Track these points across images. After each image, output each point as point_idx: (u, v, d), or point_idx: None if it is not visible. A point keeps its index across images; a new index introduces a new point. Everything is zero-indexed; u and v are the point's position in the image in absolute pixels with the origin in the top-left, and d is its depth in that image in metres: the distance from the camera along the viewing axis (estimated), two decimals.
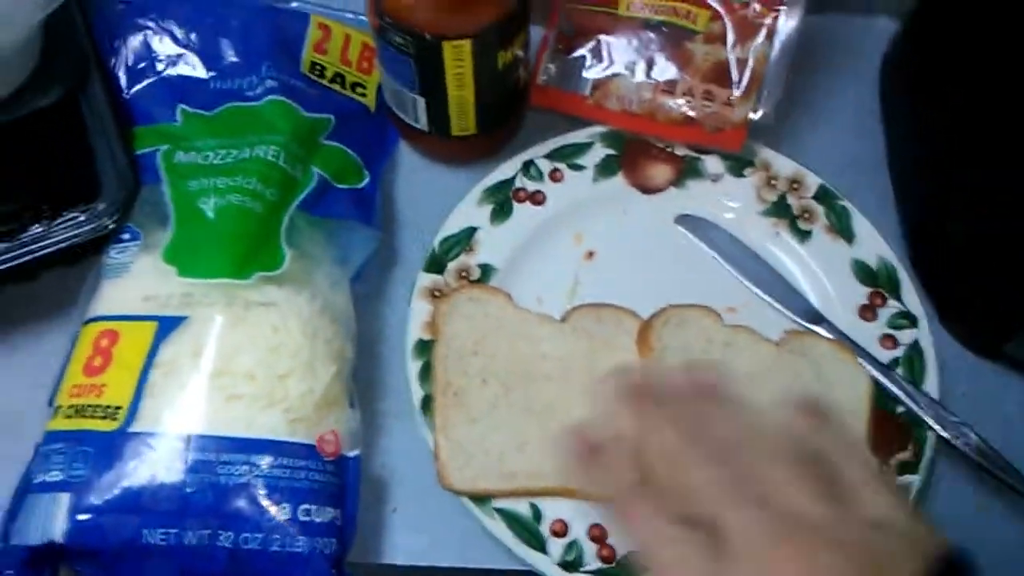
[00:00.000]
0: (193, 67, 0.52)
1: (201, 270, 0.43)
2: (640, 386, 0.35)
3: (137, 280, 0.44)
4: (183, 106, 0.50)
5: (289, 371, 0.42)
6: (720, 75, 0.52)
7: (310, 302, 0.44)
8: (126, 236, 0.46)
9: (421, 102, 0.49)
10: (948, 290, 0.51)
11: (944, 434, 0.45)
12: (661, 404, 0.33)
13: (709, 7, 0.52)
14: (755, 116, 0.52)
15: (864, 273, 0.50)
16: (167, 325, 0.42)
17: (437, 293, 0.49)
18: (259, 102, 0.50)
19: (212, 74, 0.52)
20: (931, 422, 0.46)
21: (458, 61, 0.46)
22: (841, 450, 0.32)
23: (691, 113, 0.52)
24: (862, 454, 0.33)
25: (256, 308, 0.43)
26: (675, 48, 0.52)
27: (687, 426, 0.32)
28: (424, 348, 0.47)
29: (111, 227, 0.45)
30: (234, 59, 0.52)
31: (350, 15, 0.57)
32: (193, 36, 0.52)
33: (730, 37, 0.52)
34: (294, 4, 0.56)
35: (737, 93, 0.51)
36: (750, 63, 0.51)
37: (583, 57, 0.53)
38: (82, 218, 0.45)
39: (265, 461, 0.40)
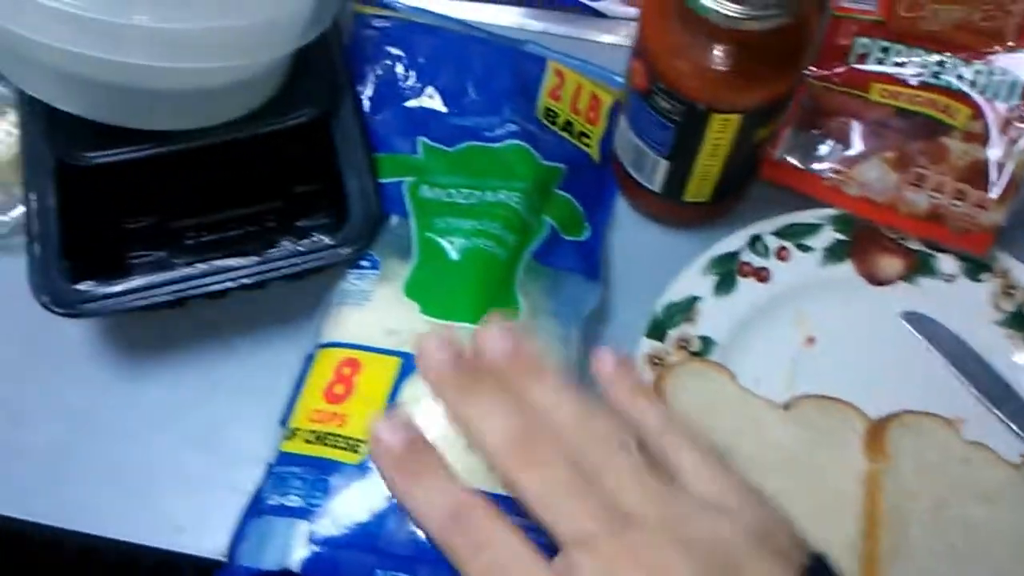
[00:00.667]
0: (434, 100, 0.52)
1: (444, 311, 0.43)
2: (460, 359, 0.33)
3: (379, 311, 0.44)
4: (423, 139, 0.51)
5: None
6: (975, 175, 0.50)
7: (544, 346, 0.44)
8: (366, 264, 0.46)
9: (664, 165, 0.49)
10: None
11: None
12: (480, 380, 0.32)
13: (971, 104, 0.50)
14: (1003, 222, 0.50)
15: None
16: (410, 363, 0.42)
17: (656, 361, 0.48)
18: (499, 144, 0.50)
19: (452, 110, 0.52)
20: None
21: (720, 134, 0.45)
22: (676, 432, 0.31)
23: (938, 209, 0.50)
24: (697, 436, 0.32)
25: None
26: (929, 141, 0.50)
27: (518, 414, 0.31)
28: None
29: (357, 252, 0.45)
30: (475, 97, 0.52)
31: (579, 62, 0.57)
32: (436, 70, 0.53)
33: (993, 137, 0.50)
34: (530, 47, 0.57)
35: (993, 195, 0.49)
36: (1009, 167, 0.49)
37: (825, 137, 0.52)
38: (329, 240, 0.46)
39: None
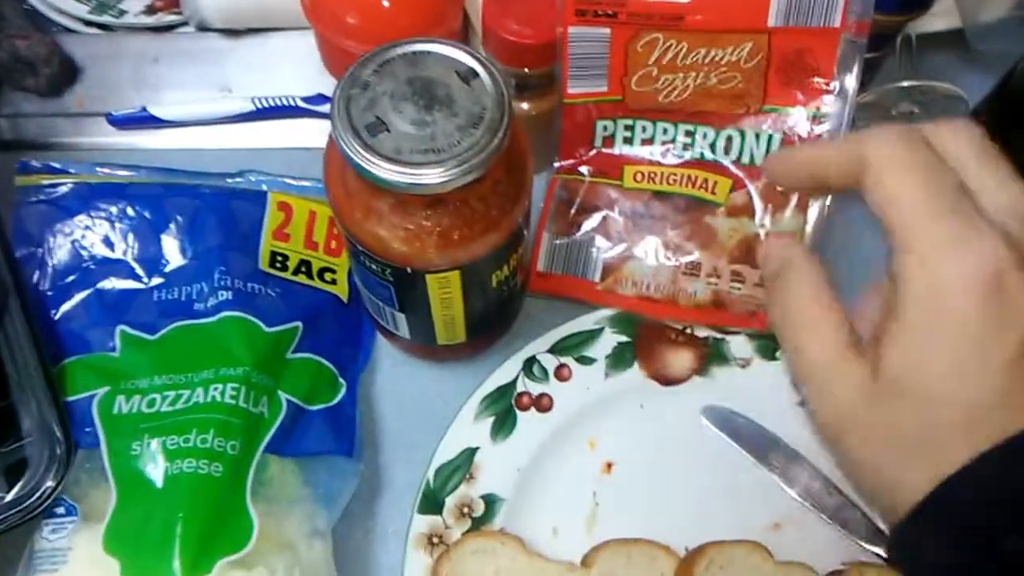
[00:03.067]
0: (133, 276, 0.44)
1: (151, 568, 0.36)
2: None
3: None
4: (122, 327, 0.42)
5: None
6: (749, 253, 0.45)
7: None
8: (60, 510, 0.38)
9: (401, 316, 0.42)
10: None
11: None
12: None
13: (730, 175, 0.45)
14: None
15: None
16: None
17: (436, 539, 0.42)
18: (212, 319, 0.43)
19: (157, 281, 0.44)
20: None
21: (444, 290, 0.38)
22: None
23: (719, 296, 0.45)
24: None
25: None
26: (695, 223, 0.45)
27: None
28: None
29: (42, 506, 0.37)
30: (182, 262, 0.44)
31: (310, 183, 0.50)
32: (130, 237, 0.45)
33: (758, 209, 0.45)
34: (248, 179, 0.49)
35: None
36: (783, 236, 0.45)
37: (589, 237, 0.46)
38: (9, 498, 0.37)
39: None
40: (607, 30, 0.42)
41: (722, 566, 0.40)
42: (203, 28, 0.57)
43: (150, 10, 0.59)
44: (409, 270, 0.37)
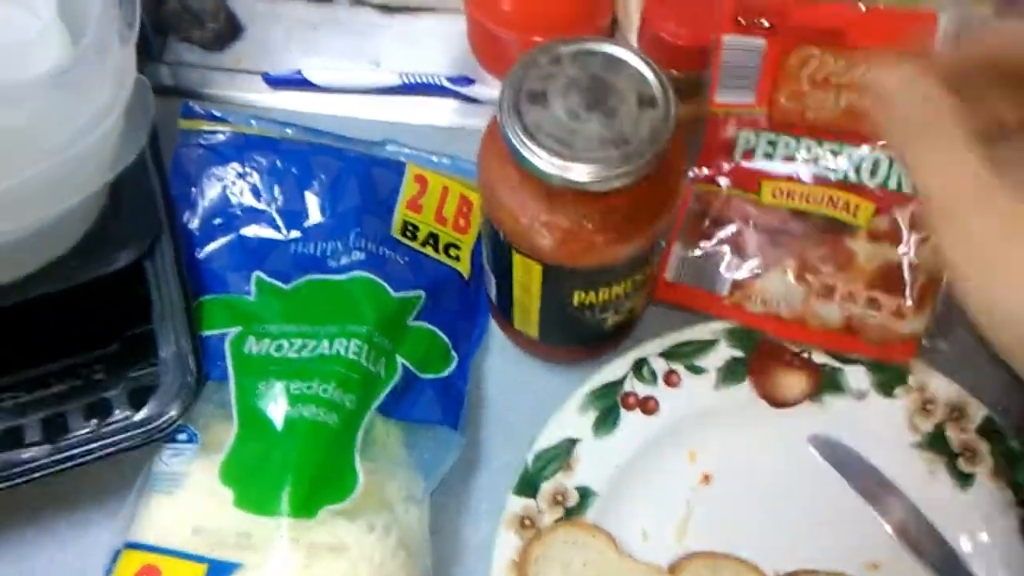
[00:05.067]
0: (274, 226, 0.46)
1: (262, 502, 0.37)
2: None
3: (189, 503, 0.38)
4: (259, 274, 0.45)
5: None
6: (888, 280, 0.44)
7: (383, 539, 0.38)
8: (182, 437, 0.40)
9: (493, 280, 0.43)
10: None
11: None
12: None
13: (874, 198, 0.44)
14: (925, 336, 0.44)
15: None
16: (218, 571, 0.36)
17: (528, 522, 0.42)
18: (343, 276, 0.44)
19: (295, 235, 0.46)
20: None
21: (524, 274, 0.39)
22: None
23: (851, 321, 0.44)
24: None
25: (322, 554, 0.37)
26: (832, 245, 0.45)
27: None
28: None
29: (166, 429, 0.40)
30: (320, 219, 0.46)
31: (447, 159, 0.51)
32: (276, 189, 0.47)
33: (903, 235, 0.44)
34: (389, 149, 0.51)
35: (907, 304, 0.43)
36: (928, 267, 0.43)
37: (721, 251, 0.46)
38: (136, 418, 0.40)
39: None
40: (763, 41, 0.42)
41: None
42: (359, 2, 0.59)
43: None
44: (502, 238, 0.37)
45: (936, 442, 0.44)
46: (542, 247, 0.37)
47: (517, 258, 0.39)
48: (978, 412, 0.44)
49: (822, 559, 0.41)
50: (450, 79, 0.56)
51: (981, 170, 0.25)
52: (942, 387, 0.45)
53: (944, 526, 0.43)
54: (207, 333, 0.42)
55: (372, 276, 0.44)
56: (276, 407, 0.40)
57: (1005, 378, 0.46)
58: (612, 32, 0.54)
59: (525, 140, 0.34)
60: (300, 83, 0.55)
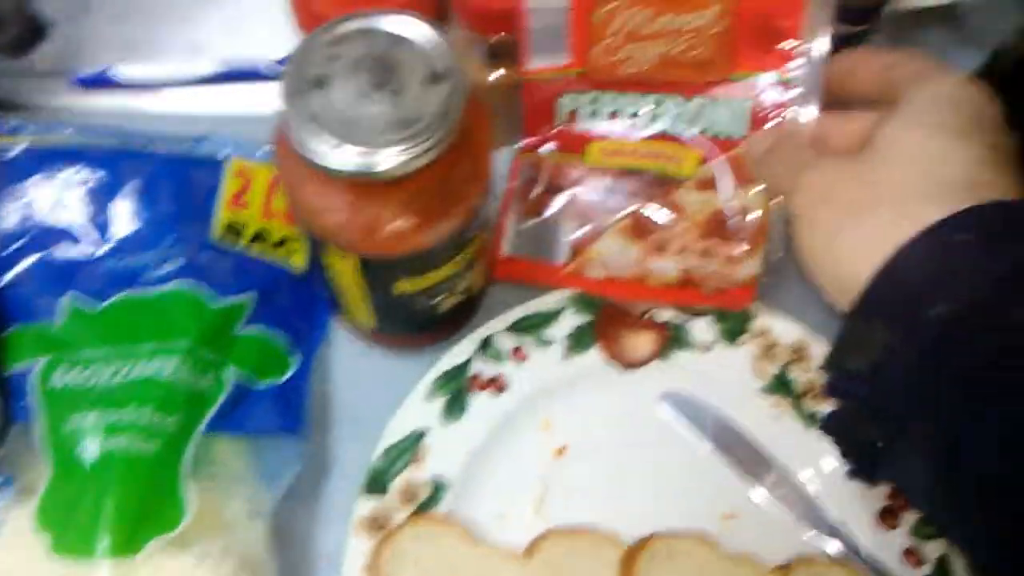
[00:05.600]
0: (83, 241, 0.43)
1: (79, 546, 0.35)
2: None
3: (6, 554, 0.36)
4: (69, 295, 0.42)
5: None
6: (718, 227, 0.43)
7: (219, 566, 0.37)
8: None
9: (320, 273, 0.41)
10: None
11: None
12: None
13: (697, 148, 0.43)
14: (761, 272, 0.44)
15: None
16: None
17: (379, 523, 0.41)
18: (159, 289, 0.42)
19: (106, 250, 0.43)
20: None
21: (340, 267, 0.38)
22: None
23: (689, 273, 0.44)
24: None
25: None
26: (663, 199, 0.44)
27: None
28: None
29: None
30: (132, 230, 0.43)
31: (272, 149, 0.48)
32: (82, 202, 0.44)
33: (723, 182, 0.43)
34: (208, 145, 0.48)
35: (740, 250, 0.43)
36: (753, 211, 0.43)
37: (555, 218, 0.45)
38: None
39: None
40: (565, 0, 0.40)
41: (666, 558, 0.40)
42: None
43: None
44: (314, 234, 0.36)
45: (781, 385, 0.44)
46: (349, 241, 0.35)
47: (331, 252, 0.37)
48: (820, 351, 0.45)
49: (680, 518, 0.42)
50: (276, 61, 0.53)
51: (831, 174, 0.35)
52: (784, 330, 0.45)
53: (793, 466, 0.43)
54: (13, 368, 0.40)
55: (190, 286, 0.42)
56: (90, 441, 0.37)
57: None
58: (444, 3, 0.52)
59: (309, 131, 0.32)
60: (112, 81, 0.52)
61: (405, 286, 0.38)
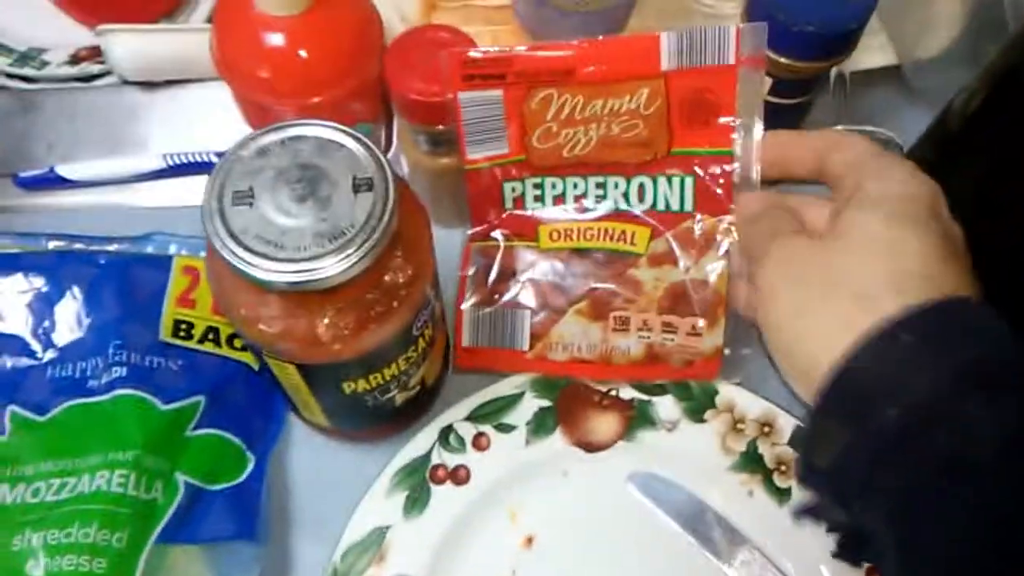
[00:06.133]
0: (26, 352, 0.42)
1: None
2: None
3: None
4: (13, 407, 0.40)
5: None
6: (677, 302, 0.43)
7: None
8: None
9: (271, 380, 0.40)
10: None
11: None
12: None
13: (647, 224, 0.43)
14: (723, 343, 0.43)
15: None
16: None
17: None
18: (104, 397, 0.41)
19: (50, 357, 0.42)
20: None
21: (285, 374, 0.37)
22: None
23: (653, 349, 0.43)
24: None
25: None
26: (618, 278, 0.43)
27: None
28: None
29: None
30: (76, 336, 0.42)
31: None
32: (23, 310, 0.43)
33: (678, 255, 0.43)
34: (154, 242, 0.47)
35: (702, 323, 0.43)
36: (710, 282, 0.43)
37: (512, 304, 0.44)
38: None
39: None
40: (498, 92, 0.40)
41: None
42: (124, 80, 0.56)
43: (74, 60, 0.57)
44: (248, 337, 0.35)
45: (750, 460, 0.43)
46: (287, 351, 0.34)
47: (270, 360, 0.36)
48: (787, 424, 0.44)
49: None
50: (219, 154, 0.52)
51: (800, 252, 0.35)
52: (750, 404, 0.44)
53: (767, 542, 0.42)
54: None
55: (137, 392, 0.41)
56: (35, 563, 0.36)
57: None
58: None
59: (233, 247, 0.31)
60: (55, 181, 0.51)
61: (354, 386, 0.37)
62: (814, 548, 0.41)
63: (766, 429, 0.44)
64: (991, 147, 0.41)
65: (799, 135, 0.39)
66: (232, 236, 0.31)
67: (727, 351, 0.44)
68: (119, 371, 0.41)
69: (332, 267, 0.31)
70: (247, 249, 0.31)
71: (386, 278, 0.34)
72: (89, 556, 0.36)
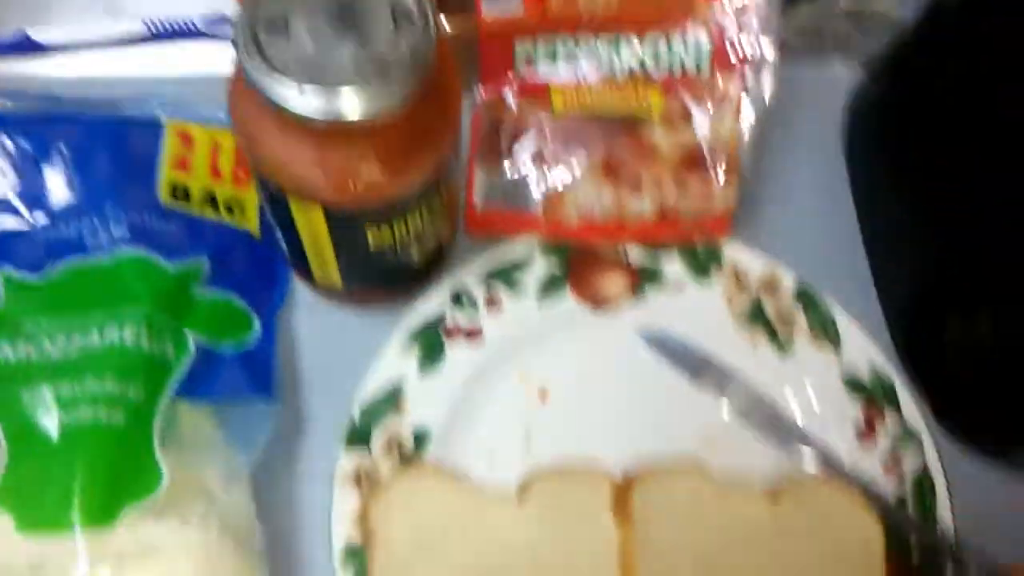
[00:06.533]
0: (15, 214, 0.40)
1: (48, 520, 0.33)
2: None
3: None
4: (6, 270, 0.39)
5: None
6: (692, 163, 0.43)
7: (203, 528, 0.35)
8: None
9: (281, 236, 0.39)
10: (945, 388, 0.45)
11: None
12: None
13: (660, 85, 0.43)
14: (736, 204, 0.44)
15: (856, 386, 0.44)
16: None
17: (365, 475, 0.40)
18: (107, 256, 0.39)
19: (42, 220, 0.40)
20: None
21: (309, 223, 0.36)
22: None
23: (665, 209, 0.44)
24: None
25: (131, 563, 0.33)
26: (631, 140, 0.43)
27: None
28: (355, 556, 0.38)
29: None
30: (69, 197, 0.40)
31: (212, 112, 0.45)
32: (10, 172, 0.41)
33: (695, 116, 0.43)
34: (141, 106, 0.45)
35: (719, 181, 0.43)
36: (724, 142, 0.43)
37: (525, 168, 0.44)
38: None
39: None
40: None
41: (659, 489, 0.39)
42: None
43: None
44: (273, 187, 0.34)
45: (754, 316, 0.45)
46: (318, 193, 0.34)
47: (296, 207, 0.35)
48: (789, 280, 0.45)
49: (663, 447, 0.41)
50: (204, 20, 0.50)
51: None
52: (753, 262, 0.45)
53: (772, 392, 0.44)
54: None
55: (140, 250, 0.39)
56: (48, 416, 0.34)
57: (812, 245, 0.47)
58: None
59: (271, 76, 0.30)
60: (28, 45, 0.48)
61: (373, 238, 0.37)
62: (817, 391, 0.43)
63: (769, 286, 0.45)
64: None
65: None
66: (267, 66, 0.30)
67: (738, 211, 0.44)
68: (119, 231, 0.40)
69: (371, 100, 0.30)
70: (282, 81, 0.30)
71: (420, 122, 0.33)
72: (107, 406, 0.35)
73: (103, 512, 0.33)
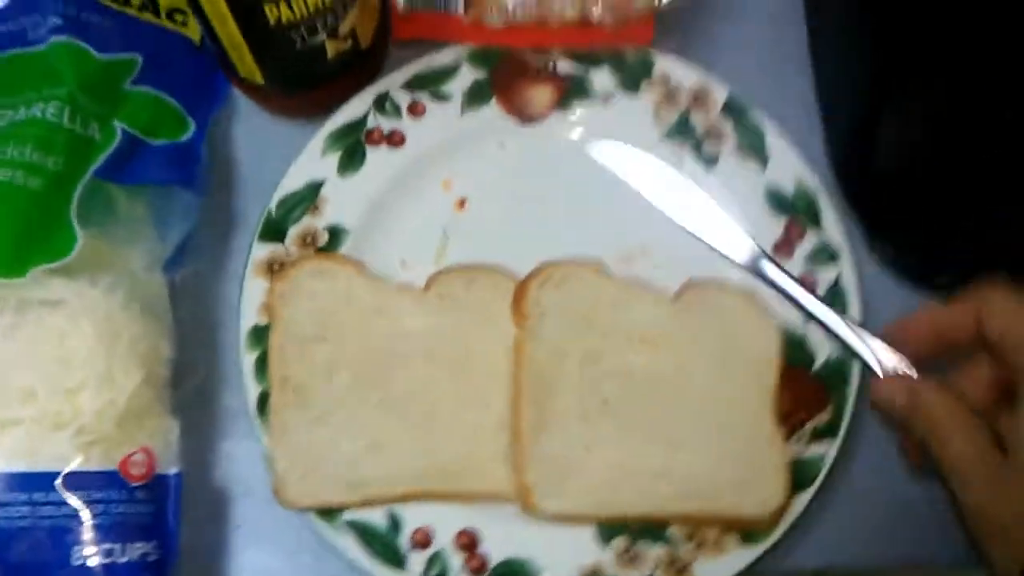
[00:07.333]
0: None
1: None
2: None
3: None
4: None
5: (81, 384, 0.35)
6: None
7: (108, 294, 0.37)
8: None
9: (200, 25, 0.40)
10: (879, 215, 0.44)
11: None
12: None
13: None
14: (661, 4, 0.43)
15: (779, 201, 0.43)
16: None
17: (276, 266, 0.41)
18: (41, 46, 0.41)
19: None
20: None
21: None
22: None
23: (587, 12, 0.43)
24: None
25: (36, 309, 0.36)
26: None
27: None
28: (260, 336, 0.40)
29: None
30: None
31: None
32: None
33: None
34: None
35: None
36: None
37: None
38: None
39: (51, 498, 0.33)
40: None
41: (558, 284, 0.40)
42: None
43: None
44: None
45: (681, 129, 0.44)
46: None
47: None
48: (720, 94, 0.44)
49: (584, 256, 0.42)
50: None
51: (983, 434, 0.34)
52: (685, 75, 0.44)
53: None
54: None
55: (72, 40, 0.41)
56: None
57: (759, 64, 0.46)
58: None
59: None
60: None
61: (275, 12, 0.37)
62: (743, 200, 0.43)
63: (700, 99, 0.44)
64: None
65: (949, 306, 0.37)
66: None
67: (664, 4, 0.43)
68: (55, 21, 0.41)
69: None
70: None
71: None
72: (25, 171, 0.37)
73: (12, 265, 0.36)
